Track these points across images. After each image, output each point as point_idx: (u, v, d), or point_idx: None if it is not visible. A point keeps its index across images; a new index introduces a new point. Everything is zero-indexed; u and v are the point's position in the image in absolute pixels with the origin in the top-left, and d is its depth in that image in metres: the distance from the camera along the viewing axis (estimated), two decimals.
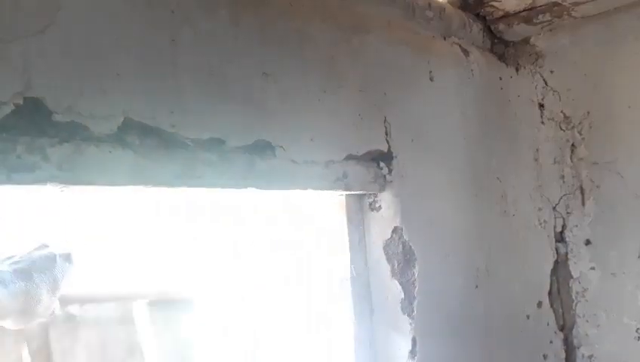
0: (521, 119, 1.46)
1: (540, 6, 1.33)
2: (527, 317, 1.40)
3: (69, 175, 0.71)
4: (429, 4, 1.28)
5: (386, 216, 1.15)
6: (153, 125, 0.79)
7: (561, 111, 1.46)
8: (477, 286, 1.27)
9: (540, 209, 1.47)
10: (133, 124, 0.77)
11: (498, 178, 1.37)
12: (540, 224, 1.46)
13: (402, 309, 1.14)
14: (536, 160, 1.47)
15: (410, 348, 1.12)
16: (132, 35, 0.78)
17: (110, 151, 0.74)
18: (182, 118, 0.82)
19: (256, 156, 0.91)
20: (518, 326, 1.38)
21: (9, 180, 0.66)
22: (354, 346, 1.13)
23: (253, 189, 0.90)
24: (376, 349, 1.14)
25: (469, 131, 1.31)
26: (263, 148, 0.92)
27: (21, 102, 0.67)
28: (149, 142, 0.79)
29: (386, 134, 1.12)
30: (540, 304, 1.45)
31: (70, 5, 0.73)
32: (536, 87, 1.48)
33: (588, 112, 1.43)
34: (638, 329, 1.40)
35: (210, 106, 0.86)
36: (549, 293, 1.48)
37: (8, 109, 0.66)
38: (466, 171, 1.29)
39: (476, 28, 1.39)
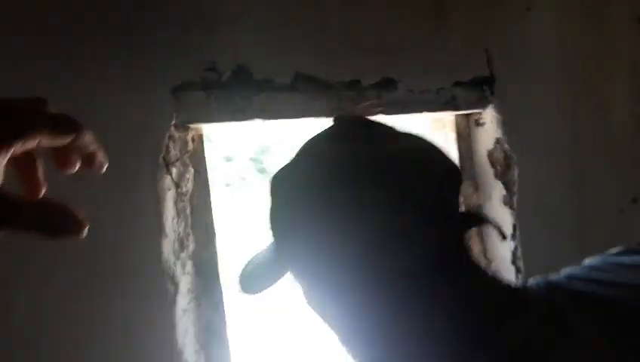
0: (619, 35, 1.58)
1: None
2: (621, 210, 1.60)
3: (265, 113, 1.08)
4: None
5: (489, 129, 1.41)
6: (313, 74, 1.13)
7: None
8: (570, 187, 1.50)
9: (636, 115, 1.61)
10: (300, 76, 1.11)
11: (595, 89, 1.54)
12: (637, 129, 1.61)
13: (504, 203, 1.42)
14: (635, 70, 1.59)
15: (511, 231, 1.41)
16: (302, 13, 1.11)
17: (288, 95, 1.10)
18: (331, 68, 1.15)
19: (382, 90, 1.22)
20: (612, 219, 1.59)
21: (232, 118, 1.05)
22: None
23: (382, 116, 1.22)
24: (484, 235, 1.45)
25: (565, 53, 1.48)
26: (387, 83, 1.22)
27: (235, 68, 1.05)
28: (310, 87, 1.13)
29: (488, 62, 1.35)
30: (634, 200, 1.64)
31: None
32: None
33: None
34: None
35: (350, 58, 1.17)
36: None
37: (228, 73, 1.04)
38: (562, 86, 1.48)
39: None
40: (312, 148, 0.54)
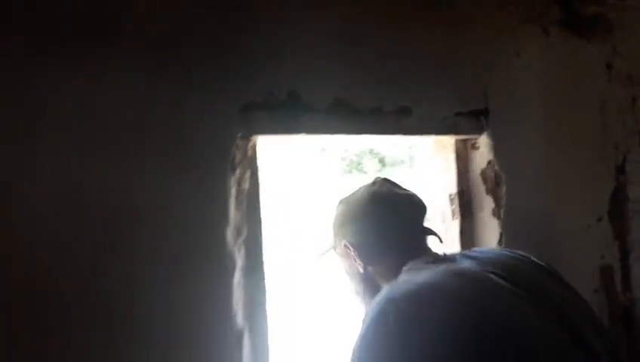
0: (590, 79, 1.89)
1: None
2: (589, 226, 1.90)
3: (308, 130, 1.35)
4: None
5: (483, 152, 1.70)
6: (345, 101, 1.40)
7: (626, 72, 1.87)
8: (547, 203, 1.79)
9: (604, 148, 1.92)
10: (336, 101, 1.39)
11: (568, 124, 1.84)
12: (603, 160, 1.92)
13: (493, 214, 1.70)
14: (602, 109, 1.90)
15: (497, 238, 1.69)
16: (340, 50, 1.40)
17: (326, 117, 1.38)
18: (360, 96, 1.42)
19: (400, 115, 1.50)
20: (582, 232, 1.88)
21: (284, 132, 1.32)
22: (459, 237, 1.73)
23: (400, 136, 1.51)
24: (476, 239, 1.73)
25: (546, 91, 1.79)
26: (403, 110, 1.50)
27: (287, 93, 1.32)
28: (342, 110, 1.41)
29: (485, 97, 1.65)
30: (600, 219, 1.94)
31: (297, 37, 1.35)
32: (605, 53, 1.90)
33: None
34: None
35: (374, 89, 1.45)
36: (609, 212, 1.95)
37: (283, 97, 1.31)
38: (542, 121, 1.78)
39: (556, 9, 1.82)
40: (364, 188, 1.23)
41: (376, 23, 1.46)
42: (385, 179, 1.22)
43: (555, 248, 1.80)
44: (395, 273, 1.10)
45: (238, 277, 1.29)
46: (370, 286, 1.17)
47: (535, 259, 1.10)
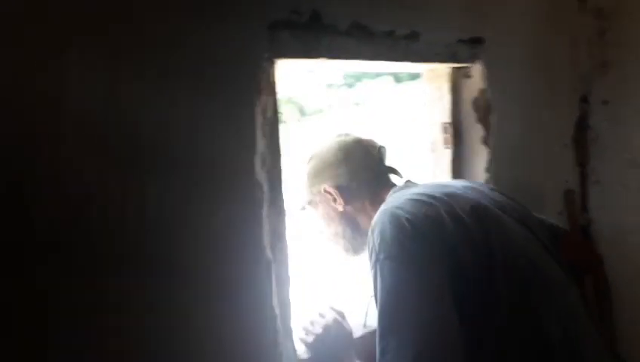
0: (563, 11, 1.98)
1: None
2: (556, 153, 2.04)
3: (329, 53, 1.29)
4: None
5: (475, 81, 1.73)
6: (364, 24, 1.35)
7: (596, 4, 1.98)
8: (531, 130, 1.88)
9: (572, 79, 2.04)
10: (355, 24, 1.33)
11: (545, 55, 1.93)
12: (572, 90, 2.04)
13: (482, 142, 1.77)
14: (572, 41, 2.01)
15: (486, 166, 1.76)
16: None
17: (345, 39, 1.32)
18: (376, 20, 1.38)
19: (410, 41, 1.47)
20: (552, 155, 2.02)
21: (307, 56, 1.25)
22: (450, 166, 1.78)
23: (409, 63, 1.49)
24: (466, 166, 1.79)
25: (529, 22, 1.84)
26: (413, 35, 1.48)
27: (311, 12, 1.24)
28: (361, 34, 1.36)
29: (481, 27, 1.66)
30: (565, 145, 2.08)
31: None
32: None
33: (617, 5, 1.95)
34: (631, 160, 2.03)
35: (390, 11, 1.41)
36: (573, 139, 2.10)
37: (307, 16, 1.23)
38: (525, 50, 1.85)
39: None
40: (332, 140, 1.42)
41: None
42: (347, 133, 1.39)
43: (530, 174, 1.92)
44: (372, 205, 1.27)
45: (265, 208, 1.24)
46: (351, 223, 1.33)
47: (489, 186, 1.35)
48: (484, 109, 1.75)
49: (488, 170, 1.77)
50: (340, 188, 1.31)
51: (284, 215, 1.33)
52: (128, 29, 1.00)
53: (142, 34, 1.02)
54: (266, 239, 1.24)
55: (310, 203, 1.39)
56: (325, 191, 1.33)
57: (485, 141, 1.76)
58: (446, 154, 1.78)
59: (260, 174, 1.21)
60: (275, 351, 1.25)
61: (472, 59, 1.68)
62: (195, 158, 1.11)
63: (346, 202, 1.31)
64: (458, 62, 1.65)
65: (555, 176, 2.06)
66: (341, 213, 1.33)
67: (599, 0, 1.99)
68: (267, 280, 1.24)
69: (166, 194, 1.06)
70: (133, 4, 1.00)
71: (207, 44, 1.10)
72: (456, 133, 1.78)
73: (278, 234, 1.30)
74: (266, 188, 1.24)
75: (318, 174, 1.35)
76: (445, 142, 1.77)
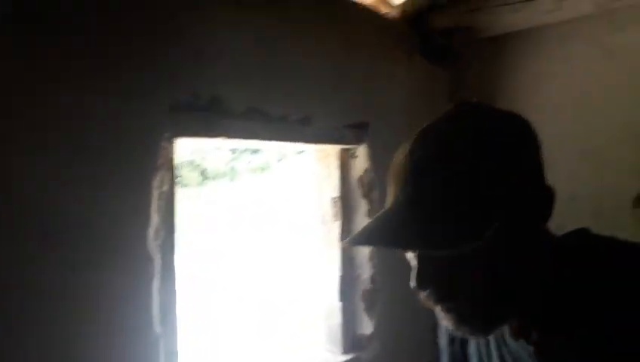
0: (439, 102, 2.28)
1: (460, 26, 2.11)
2: None
3: (227, 133, 1.40)
4: (389, 22, 2.03)
5: (361, 161, 1.92)
6: (260, 108, 1.49)
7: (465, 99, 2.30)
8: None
9: None
10: (251, 108, 1.47)
11: None
12: None
13: (367, 215, 1.94)
14: None
15: None
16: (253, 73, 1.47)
17: (243, 122, 1.44)
18: (271, 105, 1.52)
19: (303, 125, 1.63)
20: None
21: (206, 135, 1.35)
22: (340, 236, 1.92)
23: (302, 143, 1.64)
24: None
25: (409, 109, 2.10)
26: (305, 120, 1.64)
27: (210, 97, 1.35)
28: (257, 116, 1.49)
29: (366, 113, 1.88)
30: None
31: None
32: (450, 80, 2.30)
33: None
34: None
35: (282, 100, 1.56)
36: None
37: (206, 100, 1.34)
38: (407, 134, 2.08)
39: (415, 40, 2.16)
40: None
41: (287, 36, 1.58)
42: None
43: None
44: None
45: (157, 281, 1.27)
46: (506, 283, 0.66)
47: None
48: (368, 186, 1.93)
49: None
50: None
51: (174, 287, 1.36)
52: (33, 101, 1.04)
53: (47, 105, 1.06)
54: (156, 312, 1.26)
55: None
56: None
57: (369, 214, 1.93)
58: (335, 227, 1.92)
59: (153, 247, 1.25)
60: None
61: (357, 141, 1.87)
62: (91, 230, 1.13)
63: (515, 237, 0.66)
64: (345, 144, 1.83)
65: None
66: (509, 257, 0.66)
67: (466, 95, 2.32)
68: (154, 355, 1.25)
69: (54, 261, 1.07)
70: (36, 77, 1.05)
71: (111, 122, 1.16)
72: (345, 208, 1.94)
73: (168, 307, 1.33)
74: (158, 261, 1.28)
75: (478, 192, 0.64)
76: (334, 216, 1.92)
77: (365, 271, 1.95)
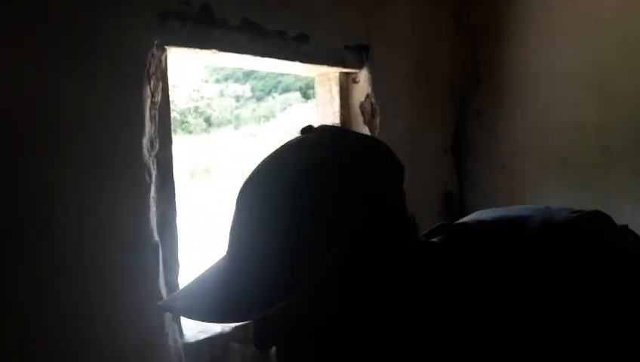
0: (443, 30, 2.20)
1: None
2: (437, 158, 2.24)
3: (219, 45, 1.35)
4: None
5: (362, 86, 1.87)
6: (255, 21, 1.43)
7: (470, 25, 2.22)
8: (412, 135, 2.05)
9: (451, 91, 2.26)
10: (246, 20, 1.41)
11: (427, 67, 2.12)
12: (451, 101, 2.26)
13: None
14: (451, 57, 2.23)
15: None
16: None
17: (236, 34, 1.39)
18: (268, 18, 1.46)
19: (300, 42, 1.58)
20: (432, 160, 2.21)
21: (197, 46, 1.30)
22: None
23: (298, 63, 1.59)
24: None
25: (413, 35, 2.03)
26: (303, 38, 1.58)
27: (202, 5, 1.30)
28: (252, 30, 1.43)
29: (367, 35, 1.81)
30: (445, 151, 2.29)
31: None
32: (455, 6, 2.22)
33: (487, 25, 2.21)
34: (499, 165, 2.28)
35: (282, 11, 1.50)
36: (452, 146, 2.31)
37: (197, 8, 1.29)
38: (409, 61, 2.02)
39: None
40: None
41: None
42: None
43: (413, 175, 2.08)
44: None
45: (153, 191, 1.26)
46: None
47: None
48: (370, 113, 1.89)
49: None
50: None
51: (174, 199, 1.36)
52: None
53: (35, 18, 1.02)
54: (153, 223, 1.26)
55: None
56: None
57: None
58: None
59: (148, 158, 1.23)
60: (162, 334, 1.27)
61: (359, 65, 1.82)
62: (81, 138, 1.11)
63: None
64: (346, 67, 1.78)
65: (435, 178, 2.25)
66: None
67: (472, 20, 2.23)
68: (154, 264, 1.25)
69: (49, 173, 1.06)
70: None
71: (98, 28, 1.12)
72: None
73: (166, 218, 1.33)
74: (154, 172, 1.26)
75: None
76: None
77: None
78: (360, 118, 1.90)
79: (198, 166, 15.54)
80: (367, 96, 1.88)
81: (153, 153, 1.26)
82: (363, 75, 1.86)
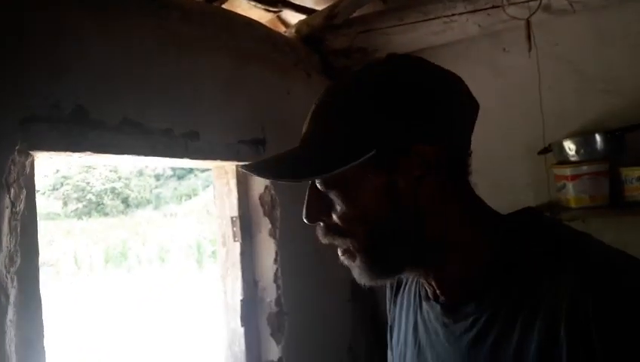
0: None
1: (354, 47, 2.12)
2: None
3: (96, 148, 1.28)
4: (286, 41, 2.00)
5: (260, 178, 1.84)
6: (137, 120, 1.38)
7: None
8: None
9: None
10: (127, 120, 1.35)
11: None
12: None
13: (270, 235, 1.85)
14: None
15: (274, 256, 1.84)
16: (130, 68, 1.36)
17: (116, 135, 1.32)
18: (151, 117, 1.42)
19: (189, 139, 1.53)
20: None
21: (69, 150, 1.22)
22: (240, 259, 1.81)
23: (188, 160, 1.54)
24: (256, 256, 1.85)
25: None
26: (192, 135, 1.55)
27: (74, 107, 1.23)
28: (134, 130, 1.37)
29: (262, 128, 1.81)
30: None
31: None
32: None
33: None
34: None
35: (167, 110, 1.46)
36: None
37: (69, 111, 1.22)
38: None
39: (316, 59, 2.14)
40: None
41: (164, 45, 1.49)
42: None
43: (318, 263, 2.04)
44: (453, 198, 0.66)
45: (11, 313, 1.11)
46: (415, 221, 0.65)
47: None
48: (270, 204, 1.85)
49: (275, 261, 1.84)
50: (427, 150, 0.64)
51: (40, 319, 1.21)
52: None
53: None
54: (11, 349, 1.10)
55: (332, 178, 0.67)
56: (401, 151, 0.64)
57: (272, 234, 1.85)
58: (236, 248, 1.82)
59: (4, 275, 1.10)
60: None
61: (254, 158, 1.79)
62: None
63: (425, 181, 0.65)
64: (241, 160, 1.75)
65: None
66: (408, 196, 0.65)
67: None
68: None
69: None
70: None
71: None
72: (246, 227, 1.85)
73: (30, 342, 1.17)
74: (13, 290, 1.12)
75: (373, 117, 0.65)
76: (234, 236, 1.82)
77: (270, 293, 1.85)
78: (260, 210, 1.86)
79: (113, 250, 14.74)
80: (266, 187, 1.85)
81: (13, 269, 1.13)
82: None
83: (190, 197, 18.18)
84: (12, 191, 1.13)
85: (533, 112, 1.87)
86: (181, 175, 19.01)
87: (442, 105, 0.65)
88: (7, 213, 1.11)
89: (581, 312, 0.54)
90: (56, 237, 15.64)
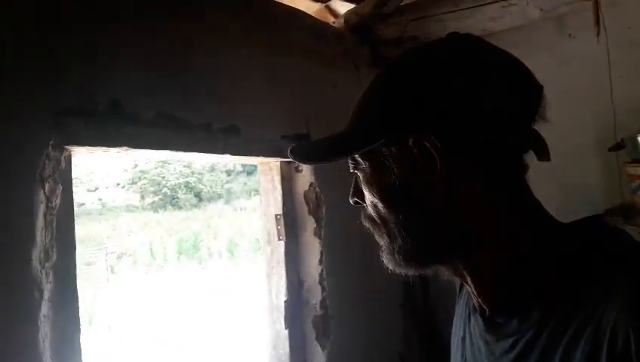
0: None
1: (406, 36, 2.01)
2: None
3: (131, 142, 1.26)
4: (333, 31, 1.92)
5: (305, 175, 1.78)
6: (174, 115, 1.36)
7: None
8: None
9: None
10: (163, 114, 1.33)
11: None
12: None
13: (315, 234, 1.79)
14: None
15: (319, 257, 1.78)
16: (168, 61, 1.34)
17: (151, 129, 1.31)
18: (190, 112, 1.39)
19: (229, 135, 1.50)
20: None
21: (104, 144, 1.21)
22: (284, 259, 1.77)
23: (228, 156, 1.50)
24: (300, 256, 1.79)
25: None
26: (233, 130, 1.51)
27: (109, 101, 1.22)
28: (171, 124, 1.35)
29: (306, 123, 1.75)
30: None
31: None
32: None
33: None
34: None
35: (206, 106, 1.43)
36: None
37: (104, 104, 1.21)
38: None
39: (366, 49, 2.04)
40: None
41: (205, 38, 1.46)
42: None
43: (366, 264, 1.96)
44: (487, 197, 0.61)
45: (45, 308, 1.12)
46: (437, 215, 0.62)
47: None
48: (314, 202, 1.79)
49: (320, 262, 1.78)
50: (447, 143, 0.60)
51: (77, 315, 1.21)
52: None
53: None
54: (44, 345, 1.11)
55: (360, 164, 0.69)
56: (416, 143, 0.60)
57: (317, 233, 1.79)
58: (280, 246, 1.77)
59: (39, 269, 1.11)
60: None
61: None
62: None
63: (449, 173, 0.60)
64: (284, 158, 1.69)
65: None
66: (434, 187, 0.62)
67: None
68: None
69: None
70: None
71: None
72: (290, 225, 1.79)
73: (67, 339, 1.18)
74: (48, 286, 1.13)
75: (400, 108, 0.62)
76: (279, 234, 1.77)
77: (315, 295, 1.79)
78: (305, 208, 1.80)
79: (185, 242, 15.33)
80: (311, 185, 1.79)
81: (48, 264, 1.13)
82: (305, 165, 1.78)
83: (259, 192, 18.59)
84: (47, 185, 1.13)
85: (603, 104, 1.68)
86: (250, 171, 19.45)
87: (483, 93, 0.59)
88: (42, 207, 1.12)
89: (620, 341, 0.48)
90: (134, 229, 16.53)
